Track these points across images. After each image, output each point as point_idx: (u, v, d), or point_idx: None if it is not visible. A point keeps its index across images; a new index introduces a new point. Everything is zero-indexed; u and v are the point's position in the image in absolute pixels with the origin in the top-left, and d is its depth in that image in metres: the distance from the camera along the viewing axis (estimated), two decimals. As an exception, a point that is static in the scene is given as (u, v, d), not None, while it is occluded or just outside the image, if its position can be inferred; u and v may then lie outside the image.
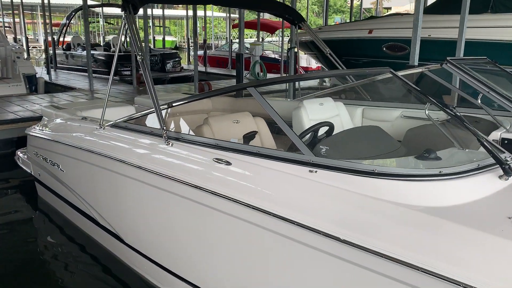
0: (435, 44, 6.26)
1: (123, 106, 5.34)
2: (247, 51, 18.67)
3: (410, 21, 6.89)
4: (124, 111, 5.25)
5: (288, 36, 23.14)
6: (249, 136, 3.31)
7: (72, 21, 18.22)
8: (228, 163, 2.72)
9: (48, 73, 13.27)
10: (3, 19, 18.69)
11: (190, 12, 39.12)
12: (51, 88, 12.46)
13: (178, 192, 2.96)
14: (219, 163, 2.76)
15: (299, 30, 5.36)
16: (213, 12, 23.03)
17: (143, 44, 20.95)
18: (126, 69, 14.61)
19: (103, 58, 14.53)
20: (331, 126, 3.41)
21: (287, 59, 17.13)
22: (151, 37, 32.25)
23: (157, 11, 28.84)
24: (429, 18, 6.54)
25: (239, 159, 2.71)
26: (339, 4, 48.34)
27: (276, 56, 17.94)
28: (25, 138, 5.89)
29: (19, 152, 6.07)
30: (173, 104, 3.43)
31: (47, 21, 12.76)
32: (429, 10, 6.68)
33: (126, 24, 3.71)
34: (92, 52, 13.20)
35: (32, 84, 11.43)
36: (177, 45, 36.06)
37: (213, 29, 30.51)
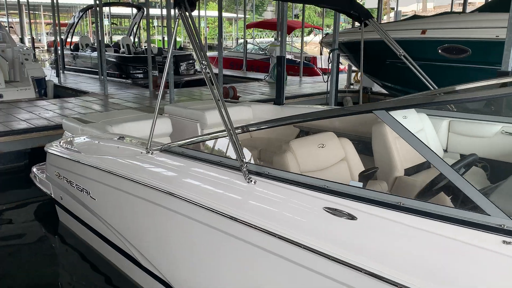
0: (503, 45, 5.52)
1: (158, 118, 4.61)
2: (261, 52, 17.97)
3: (470, 20, 6.16)
4: (159, 124, 4.52)
5: (298, 37, 22.40)
6: (368, 175, 2.55)
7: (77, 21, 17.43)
8: (351, 217, 1.97)
9: (58, 75, 12.52)
10: (7, 19, 17.95)
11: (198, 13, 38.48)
12: (61, 91, 11.72)
13: (276, 251, 2.20)
14: (337, 215, 2.01)
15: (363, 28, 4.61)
16: (221, 13, 22.20)
17: (152, 44, 20.20)
18: (139, 72, 13.88)
19: (114, 60, 13.78)
20: (475, 160, 2.59)
21: (305, 60, 16.40)
22: (154, 37, 31.57)
23: (154, 11, 28.02)
24: (495, 17, 5.83)
25: (364, 210, 1.95)
26: (340, 4, 47.33)
27: (291, 57, 17.20)
28: (40, 149, 5.15)
29: (35, 170, 5.34)
30: (250, 129, 2.68)
31: (55, 21, 12.00)
32: (496, 8, 5.97)
33: (182, 23, 2.97)
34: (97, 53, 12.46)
35: (41, 87, 10.70)
36: (182, 46, 35.06)
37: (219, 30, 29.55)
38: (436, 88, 4.19)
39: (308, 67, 15.68)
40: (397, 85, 7.64)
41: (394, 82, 7.65)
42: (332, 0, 4.32)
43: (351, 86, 12.02)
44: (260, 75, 14.89)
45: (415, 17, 8.68)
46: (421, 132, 3.89)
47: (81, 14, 17.19)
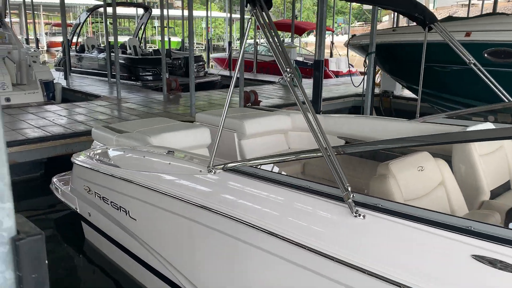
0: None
1: (195, 128, 4.19)
2: (270, 53, 17.54)
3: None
4: (196, 134, 4.11)
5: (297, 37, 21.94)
6: None
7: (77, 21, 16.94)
8: (507, 267, 1.55)
9: (66, 78, 12.05)
10: (10, 19, 17.45)
11: (199, 13, 37.90)
12: (69, 95, 11.25)
13: None
14: (498, 267, 1.59)
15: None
16: (231, 14, 21.83)
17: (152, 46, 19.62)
18: (148, 74, 13.43)
19: (122, 61, 13.32)
20: None
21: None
22: (155, 37, 30.89)
23: (155, 11, 27.40)
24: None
25: None
26: (340, 5, 47.05)
27: (302, 59, 16.80)
28: (57, 159, 4.71)
29: (56, 181, 4.90)
30: (348, 151, 2.26)
31: (64, 21, 11.53)
32: None
33: (258, 24, 2.55)
34: (106, 55, 12.03)
35: (49, 91, 10.23)
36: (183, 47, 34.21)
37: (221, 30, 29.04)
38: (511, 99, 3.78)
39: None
40: (433, 90, 7.24)
41: (430, 87, 7.26)
42: (396, 2, 3.92)
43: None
44: (272, 78, 14.47)
45: (450, 18, 8.29)
46: (501, 150, 3.50)
47: (88, 14, 16.72)
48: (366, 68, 6.61)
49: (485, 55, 6.14)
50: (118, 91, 9.81)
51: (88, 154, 4.10)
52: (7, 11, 16.59)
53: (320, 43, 6.10)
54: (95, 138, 4.38)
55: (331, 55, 18.15)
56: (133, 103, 9.47)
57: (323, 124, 4.90)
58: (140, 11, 17.28)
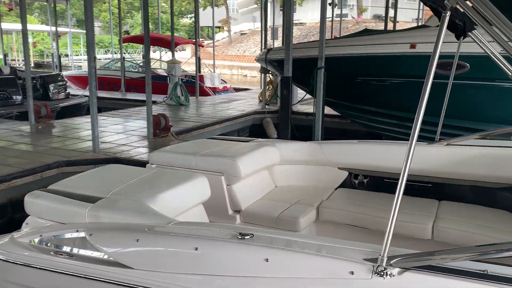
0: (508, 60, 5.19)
1: (192, 179, 2.87)
2: (139, 70, 15.78)
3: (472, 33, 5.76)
4: (196, 187, 2.85)
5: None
6: None
7: None
8: None
9: None
10: None
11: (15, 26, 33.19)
12: None
13: None
14: None
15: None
16: (56, 27, 19.12)
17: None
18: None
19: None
20: None
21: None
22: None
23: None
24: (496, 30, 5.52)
25: None
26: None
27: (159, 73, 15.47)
28: None
29: None
30: None
31: None
32: None
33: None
34: None
35: None
36: (7, 63, 27.48)
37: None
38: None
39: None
40: (368, 106, 6.92)
41: (364, 102, 6.93)
42: None
43: (267, 106, 11.07)
44: (143, 96, 12.91)
45: (366, 31, 8.19)
46: None
47: None
48: (312, 84, 5.90)
49: (432, 67, 6.00)
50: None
51: (26, 241, 2.40)
52: None
53: (288, 58, 5.17)
54: (33, 211, 2.65)
55: (198, 71, 17.25)
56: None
57: (320, 153, 3.99)
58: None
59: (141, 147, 6.47)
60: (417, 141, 4.23)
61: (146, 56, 7.13)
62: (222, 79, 16.81)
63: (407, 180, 4.02)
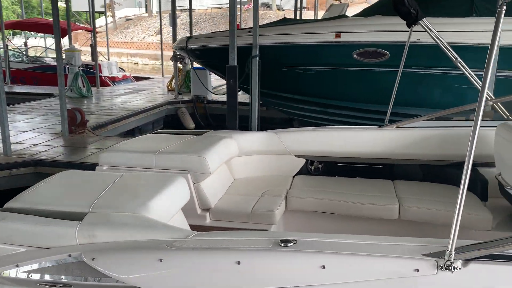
0: (423, 49, 5.73)
1: (171, 182, 2.65)
2: (25, 59, 14.11)
3: (392, 23, 6.17)
4: (178, 190, 2.70)
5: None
6: None
7: None
8: None
9: None
10: None
11: None
12: None
13: None
14: None
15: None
16: None
17: None
18: None
19: None
20: None
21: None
22: None
23: None
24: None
25: None
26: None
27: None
28: None
29: None
30: None
31: None
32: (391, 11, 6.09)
33: None
34: None
35: None
36: None
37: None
38: (493, 98, 3.82)
39: (94, 76, 13.24)
40: (294, 94, 7.05)
41: (290, 90, 7.04)
42: None
43: (180, 96, 10.70)
44: (33, 89, 11.72)
45: (285, 20, 8.24)
46: None
47: None
48: (247, 72, 5.79)
49: (355, 55, 6.31)
50: None
51: None
52: None
53: (233, 45, 4.94)
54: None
55: (93, 59, 16.03)
56: None
57: (278, 142, 3.97)
58: None
59: (60, 146, 5.80)
60: (367, 126, 4.37)
61: (57, 45, 6.36)
62: (120, 67, 15.84)
63: (360, 163, 4.17)
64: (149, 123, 9.32)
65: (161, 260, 1.81)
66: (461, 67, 3.87)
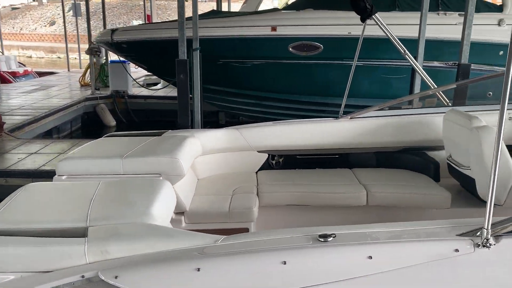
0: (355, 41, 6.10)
1: (160, 188, 2.52)
2: None
3: (324, 17, 6.41)
4: (166, 196, 2.59)
5: None
6: None
7: None
8: None
9: None
10: None
11: None
12: None
13: None
14: None
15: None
16: None
17: None
18: None
19: None
20: None
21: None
22: None
23: None
24: (344, 15, 6.15)
25: None
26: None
27: None
28: None
29: None
30: None
31: None
32: (322, 4, 6.30)
33: None
34: None
35: None
36: None
37: None
38: (435, 87, 4.18)
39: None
40: (231, 88, 7.00)
41: (224, 84, 6.97)
42: None
43: (97, 92, 10.04)
44: None
45: (214, 12, 8.06)
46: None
47: None
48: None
49: (290, 49, 6.45)
50: None
51: None
52: None
53: (182, 38, 4.67)
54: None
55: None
56: None
57: (240, 138, 3.94)
58: None
59: (-22, 153, 5.12)
60: (322, 118, 4.51)
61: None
62: (19, 62, 14.40)
63: (319, 154, 4.29)
64: (67, 122, 8.62)
65: (198, 270, 1.70)
66: (409, 59, 4.16)
